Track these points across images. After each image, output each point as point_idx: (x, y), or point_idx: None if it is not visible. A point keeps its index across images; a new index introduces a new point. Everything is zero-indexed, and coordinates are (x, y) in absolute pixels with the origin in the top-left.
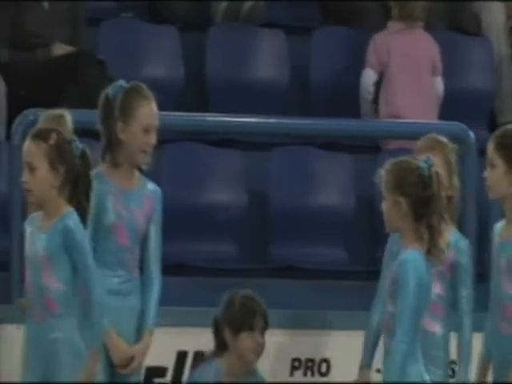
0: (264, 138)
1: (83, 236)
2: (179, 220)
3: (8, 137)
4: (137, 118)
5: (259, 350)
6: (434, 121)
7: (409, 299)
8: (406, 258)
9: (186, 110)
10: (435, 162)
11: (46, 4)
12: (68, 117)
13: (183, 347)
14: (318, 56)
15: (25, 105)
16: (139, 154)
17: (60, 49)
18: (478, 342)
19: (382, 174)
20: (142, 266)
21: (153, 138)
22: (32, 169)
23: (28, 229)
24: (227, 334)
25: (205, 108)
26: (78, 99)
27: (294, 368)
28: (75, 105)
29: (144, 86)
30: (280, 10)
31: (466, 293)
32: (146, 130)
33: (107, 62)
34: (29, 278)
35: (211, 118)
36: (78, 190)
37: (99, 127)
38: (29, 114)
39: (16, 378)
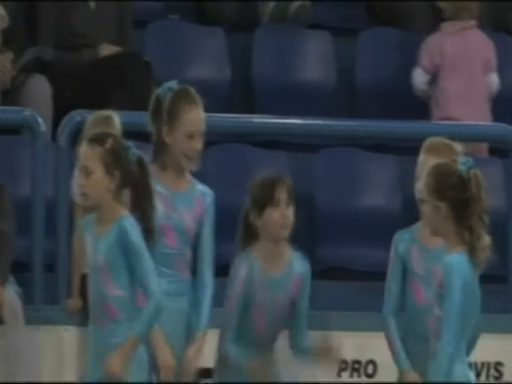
0: (310, 140)
1: (138, 238)
2: (225, 222)
3: (54, 138)
4: (182, 124)
5: (285, 222)
6: (480, 122)
7: (455, 302)
8: (451, 261)
9: (232, 111)
10: (431, 163)
11: (92, 4)
12: (116, 118)
13: None
14: (364, 57)
15: (71, 106)
16: (183, 158)
17: (106, 49)
18: None
19: (423, 179)
20: (195, 268)
21: (197, 144)
22: (87, 172)
23: (87, 236)
24: (253, 217)
25: (251, 109)
26: (124, 100)
27: (340, 369)
28: (121, 106)
29: (192, 90)
30: (326, 11)
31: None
32: (191, 136)
33: (153, 64)
34: (91, 285)
35: (258, 119)
36: (138, 197)
37: (150, 128)
38: (75, 115)
39: (64, 377)
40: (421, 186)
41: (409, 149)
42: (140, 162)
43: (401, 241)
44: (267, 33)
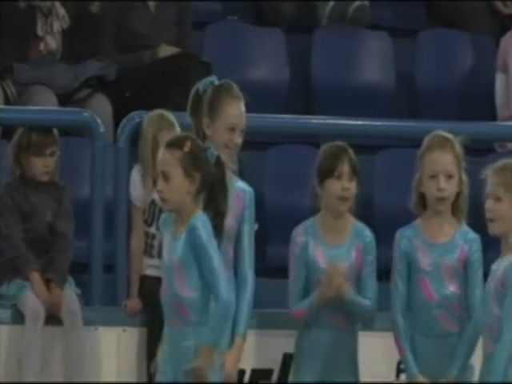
0: (369, 141)
1: (209, 237)
2: (281, 222)
3: (115, 139)
4: (223, 116)
5: (345, 194)
6: None
7: None
8: None
9: (290, 112)
10: (447, 159)
11: (151, 5)
12: (172, 117)
13: (289, 350)
14: (423, 58)
15: (130, 106)
16: (222, 149)
17: (166, 50)
18: None
19: (493, 175)
20: (236, 267)
21: (238, 138)
22: (167, 178)
23: (165, 236)
24: (315, 185)
25: (310, 110)
26: (182, 101)
27: (400, 371)
28: (180, 106)
29: (234, 85)
30: (385, 11)
31: (478, 290)
32: (232, 129)
33: (212, 65)
34: (165, 285)
35: (316, 120)
36: (214, 197)
37: (189, 120)
38: (134, 116)
39: (122, 378)
40: (446, 185)
41: (469, 149)
42: (218, 163)
43: (403, 238)
44: (326, 34)
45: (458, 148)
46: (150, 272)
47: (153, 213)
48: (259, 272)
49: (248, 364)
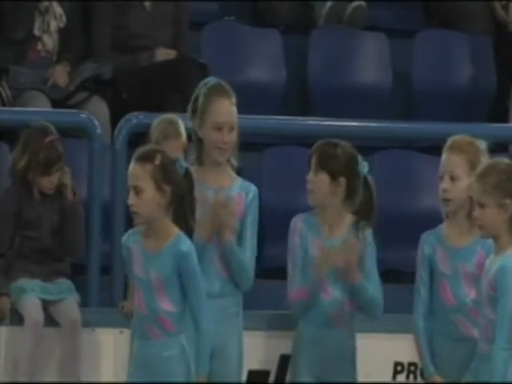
0: (366, 142)
1: (196, 264)
2: (278, 223)
3: (112, 140)
4: (209, 116)
5: (308, 187)
6: None
7: (508, 304)
8: (504, 263)
9: (287, 113)
10: (452, 160)
11: (147, 5)
12: (181, 126)
13: (286, 351)
14: (420, 59)
15: (127, 108)
16: (213, 150)
17: (163, 54)
18: None
19: (476, 182)
20: None
21: (226, 136)
22: (138, 191)
23: (134, 248)
24: None
25: (306, 111)
26: (179, 104)
27: (396, 372)
28: (177, 109)
29: (224, 84)
30: (382, 12)
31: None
32: (218, 128)
33: (209, 66)
34: (141, 299)
35: (313, 121)
36: (183, 209)
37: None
38: (132, 117)
39: (120, 379)
40: (448, 186)
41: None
42: (187, 175)
43: (426, 243)
44: (323, 34)
45: (476, 153)
46: None
47: None
48: (256, 273)
49: (245, 365)
